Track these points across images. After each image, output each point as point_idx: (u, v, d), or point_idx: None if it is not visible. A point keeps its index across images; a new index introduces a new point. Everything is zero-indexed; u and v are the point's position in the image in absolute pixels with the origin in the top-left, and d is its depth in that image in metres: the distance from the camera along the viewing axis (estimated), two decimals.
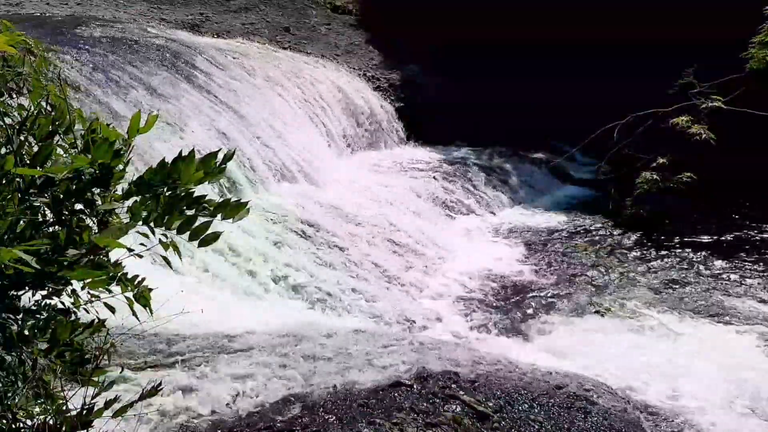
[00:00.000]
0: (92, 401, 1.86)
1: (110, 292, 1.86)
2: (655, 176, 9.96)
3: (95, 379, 1.90)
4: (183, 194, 1.76)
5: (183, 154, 1.74)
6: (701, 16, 10.81)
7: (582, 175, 12.67)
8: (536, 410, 4.27)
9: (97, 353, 1.90)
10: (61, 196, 1.71)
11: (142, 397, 1.96)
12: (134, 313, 1.92)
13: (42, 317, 1.87)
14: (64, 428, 1.80)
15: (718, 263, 8.78)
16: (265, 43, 13.28)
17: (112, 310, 1.96)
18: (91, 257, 1.70)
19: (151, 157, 6.96)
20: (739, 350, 6.44)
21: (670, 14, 11.68)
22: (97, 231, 1.73)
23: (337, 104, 11.92)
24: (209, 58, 10.52)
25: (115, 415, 1.87)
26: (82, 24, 10.76)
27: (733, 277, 8.34)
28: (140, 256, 1.95)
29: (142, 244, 1.88)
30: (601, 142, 10.12)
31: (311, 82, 11.74)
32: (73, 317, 1.93)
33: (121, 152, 1.77)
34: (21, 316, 1.83)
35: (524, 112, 12.49)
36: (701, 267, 8.70)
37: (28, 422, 1.79)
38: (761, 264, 8.70)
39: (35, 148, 1.78)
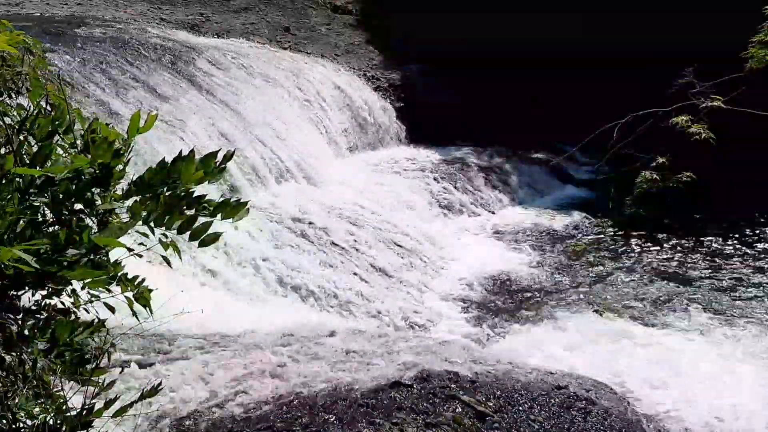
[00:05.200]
0: (92, 401, 1.86)
1: (110, 292, 1.86)
2: (654, 176, 9.95)
3: (95, 379, 1.90)
4: (183, 194, 1.76)
5: (183, 154, 1.74)
6: (701, 15, 10.80)
7: (582, 175, 12.67)
8: (536, 410, 4.27)
9: (97, 353, 1.90)
10: (61, 196, 1.71)
11: (142, 397, 1.96)
12: (134, 313, 1.93)
13: (42, 317, 1.87)
14: (64, 428, 1.80)
15: (719, 263, 8.78)
16: (265, 43, 13.27)
17: (112, 310, 1.96)
18: (91, 257, 1.70)
19: (151, 157, 6.96)
20: (743, 352, 6.43)
21: (670, 13, 11.67)
22: (97, 231, 1.73)
23: (337, 104, 11.91)
24: (209, 58, 10.52)
25: (115, 415, 1.87)
26: (82, 24, 10.75)
27: (733, 276, 8.34)
28: (140, 256, 1.95)
29: (141, 243, 1.88)
30: (601, 142, 10.10)
31: (311, 82, 11.74)
32: (73, 317, 1.93)
33: (121, 152, 1.77)
34: (21, 316, 1.83)
35: (524, 111, 12.49)
36: (701, 267, 8.70)
37: (28, 422, 1.79)
38: (762, 263, 8.70)
39: (35, 148, 1.78)
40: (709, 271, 8.58)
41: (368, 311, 7.12)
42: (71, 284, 1.84)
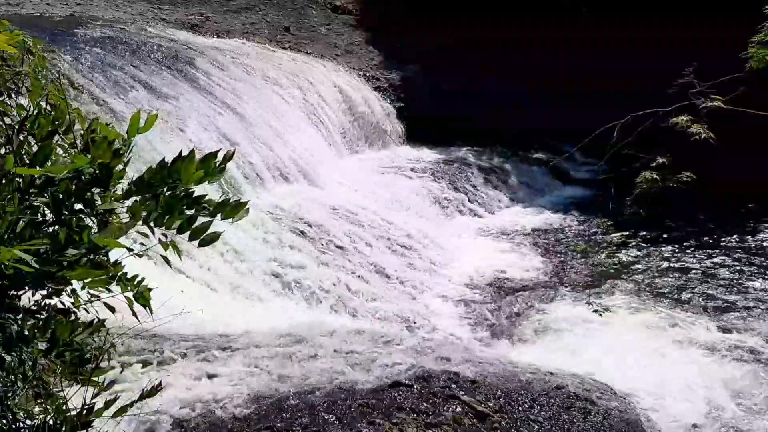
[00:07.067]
0: (92, 401, 1.86)
1: (110, 291, 1.86)
2: (654, 176, 9.94)
3: (95, 379, 1.90)
4: (183, 194, 1.76)
5: (183, 154, 1.74)
6: (701, 15, 10.81)
7: (581, 175, 12.67)
8: (536, 410, 4.27)
9: (97, 353, 1.90)
10: (61, 196, 1.71)
11: (141, 397, 1.96)
12: (134, 313, 1.93)
13: (42, 317, 1.87)
14: (64, 428, 1.80)
15: (719, 263, 8.78)
16: (265, 43, 13.27)
17: (112, 310, 1.96)
18: (91, 257, 1.70)
19: (151, 157, 6.96)
20: (742, 352, 6.43)
21: (670, 14, 11.67)
22: (97, 231, 1.73)
23: (336, 104, 11.91)
24: (209, 58, 10.52)
25: (115, 415, 1.87)
26: (82, 24, 10.75)
27: (733, 277, 8.34)
28: (140, 256, 1.95)
29: (141, 243, 1.88)
30: (601, 142, 10.11)
31: (311, 82, 11.73)
32: (73, 317, 1.93)
33: (121, 152, 1.77)
34: (21, 316, 1.83)
35: (524, 111, 12.49)
36: (701, 267, 8.70)
37: (28, 422, 1.79)
38: (762, 264, 8.70)
39: (35, 148, 1.78)
40: (711, 270, 8.57)
41: (368, 311, 7.11)
42: (71, 284, 1.84)
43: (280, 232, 7.83)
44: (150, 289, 1.95)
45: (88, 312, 1.97)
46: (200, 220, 1.79)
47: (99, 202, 1.76)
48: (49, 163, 1.72)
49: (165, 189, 1.74)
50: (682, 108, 8.99)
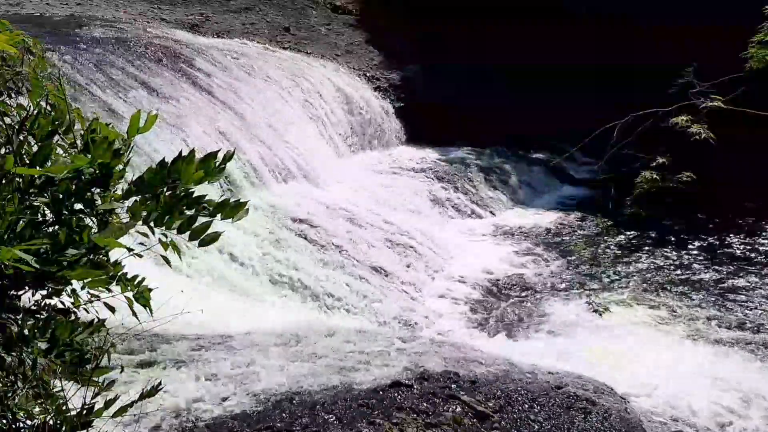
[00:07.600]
0: (92, 401, 1.86)
1: (110, 291, 1.86)
2: (654, 176, 9.97)
3: (95, 379, 1.90)
4: (183, 194, 1.75)
5: (183, 154, 1.74)
6: (701, 15, 10.81)
7: (581, 175, 12.67)
8: (536, 410, 4.27)
9: (97, 353, 1.89)
10: (61, 196, 1.71)
11: (142, 397, 1.96)
12: (134, 313, 1.92)
13: (42, 317, 1.87)
14: (64, 428, 1.80)
15: (719, 263, 8.78)
16: (265, 43, 13.27)
17: (112, 310, 1.96)
18: (91, 257, 1.69)
19: (150, 157, 6.96)
20: (738, 352, 6.44)
21: (670, 14, 11.67)
22: (97, 231, 1.73)
23: (337, 104, 11.91)
24: (209, 58, 10.52)
25: (115, 415, 1.87)
26: (82, 24, 10.75)
27: (733, 276, 8.34)
28: (140, 256, 1.95)
29: (141, 243, 1.88)
30: (601, 142, 10.11)
31: (311, 82, 11.73)
32: (73, 317, 1.93)
33: (121, 152, 1.77)
34: (21, 316, 1.83)
35: (524, 112, 12.49)
36: (701, 266, 8.70)
37: (28, 422, 1.79)
38: (761, 263, 8.70)
39: (35, 148, 1.78)
40: (711, 270, 8.57)
41: (368, 311, 7.12)
42: (71, 284, 1.84)
43: (280, 232, 7.83)
44: (150, 289, 1.94)
45: (88, 312, 1.97)
46: (200, 220, 1.79)
47: (99, 202, 1.75)
48: (49, 163, 1.72)
49: (165, 189, 1.74)
50: (682, 108, 8.98)
